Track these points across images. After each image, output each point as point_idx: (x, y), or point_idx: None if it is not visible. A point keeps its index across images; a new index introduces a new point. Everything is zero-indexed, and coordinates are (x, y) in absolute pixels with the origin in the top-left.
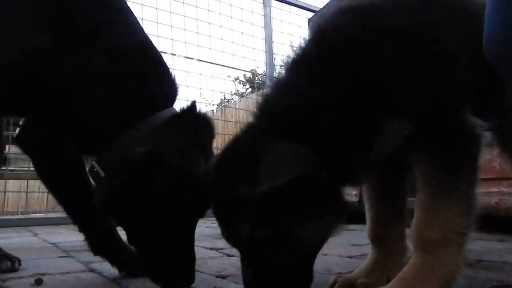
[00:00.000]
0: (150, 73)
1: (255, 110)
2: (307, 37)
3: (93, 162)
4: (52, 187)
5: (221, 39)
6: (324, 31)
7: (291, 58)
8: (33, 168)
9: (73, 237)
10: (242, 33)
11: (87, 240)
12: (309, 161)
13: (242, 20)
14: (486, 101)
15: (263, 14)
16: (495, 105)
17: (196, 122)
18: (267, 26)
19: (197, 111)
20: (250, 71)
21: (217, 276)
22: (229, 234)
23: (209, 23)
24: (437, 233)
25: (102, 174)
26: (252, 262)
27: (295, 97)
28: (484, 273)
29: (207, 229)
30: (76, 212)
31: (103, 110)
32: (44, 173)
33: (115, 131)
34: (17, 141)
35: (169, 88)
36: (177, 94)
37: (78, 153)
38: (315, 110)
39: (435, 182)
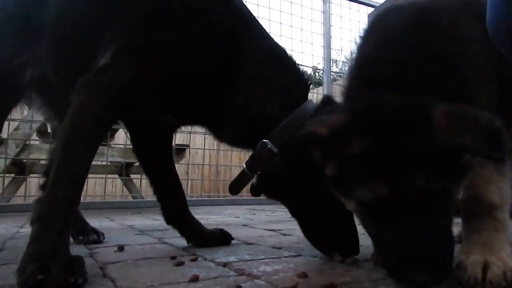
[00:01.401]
0: (292, 70)
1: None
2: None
3: (264, 140)
4: (145, 162)
5: (281, 35)
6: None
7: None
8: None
9: (145, 221)
10: (301, 29)
11: (162, 210)
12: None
13: (301, 17)
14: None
15: (322, 11)
16: None
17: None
18: (326, 22)
19: (334, 102)
20: (311, 67)
21: (273, 247)
22: (400, 189)
23: (269, 20)
24: (496, 198)
25: (275, 150)
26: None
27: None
28: None
29: (266, 217)
30: (159, 184)
31: (270, 102)
32: (141, 151)
33: (278, 120)
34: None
35: (305, 81)
36: (310, 86)
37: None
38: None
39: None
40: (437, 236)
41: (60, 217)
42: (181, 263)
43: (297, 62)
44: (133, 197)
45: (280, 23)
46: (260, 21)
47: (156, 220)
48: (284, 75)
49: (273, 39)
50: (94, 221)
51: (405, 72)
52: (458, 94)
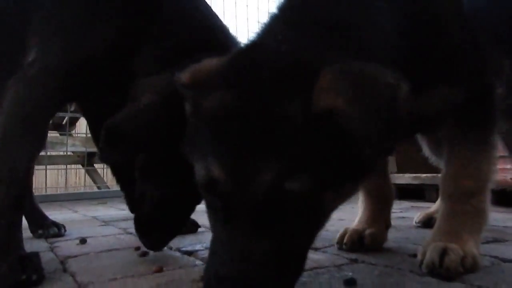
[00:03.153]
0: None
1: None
2: None
3: None
4: None
5: (236, 28)
6: None
7: None
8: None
9: (110, 212)
10: (258, 22)
11: (126, 198)
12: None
13: (258, 8)
14: None
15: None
16: None
17: None
18: None
19: None
20: None
21: None
22: (236, 177)
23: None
24: (475, 182)
25: None
26: (248, 232)
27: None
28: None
29: None
30: (121, 172)
31: None
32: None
33: None
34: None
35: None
36: None
37: None
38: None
39: (473, 136)
40: (259, 263)
41: (6, 215)
42: (145, 254)
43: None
44: (98, 187)
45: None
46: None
47: (122, 210)
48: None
49: (217, 17)
50: (56, 214)
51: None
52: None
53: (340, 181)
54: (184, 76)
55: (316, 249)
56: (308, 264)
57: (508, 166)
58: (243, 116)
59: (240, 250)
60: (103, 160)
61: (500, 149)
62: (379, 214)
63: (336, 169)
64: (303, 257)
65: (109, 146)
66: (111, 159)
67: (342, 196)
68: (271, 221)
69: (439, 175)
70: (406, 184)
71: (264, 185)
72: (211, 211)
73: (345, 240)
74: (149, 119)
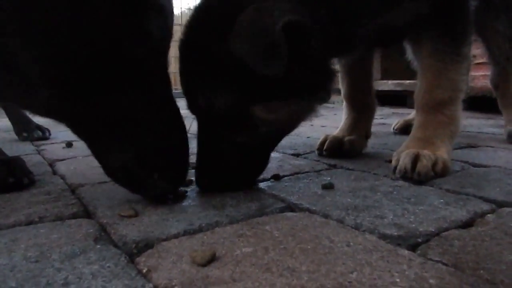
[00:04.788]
0: None
1: None
2: None
3: None
4: None
5: None
6: None
7: None
8: None
9: None
10: None
11: None
12: (295, 15)
13: None
14: None
15: None
16: None
17: None
18: None
19: None
20: None
21: None
22: (188, 99)
23: None
24: (446, 93)
25: None
26: (206, 139)
27: None
28: (458, 139)
29: None
30: None
31: None
32: None
33: None
34: None
35: None
36: None
37: None
38: None
39: (445, 47)
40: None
41: None
42: None
43: None
44: None
45: None
46: None
47: None
48: None
49: None
50: (39, 118)
51: None
52: None
53: (263, 99)
54: None
55: (297, 155)
56: (289, 169)
57: (488, 73)
58: (191, 55)
59: (206, 151)
60: None
61: (481, 55)
62: (359, 123)
63: (249, 90)
64: (255, 156)
65: None
66: None
67: (275, 109)
68: (222, 129)
69: None
70: (389, 91)
71: (203, 105)
72: None
73: (325, 147)
74: None
